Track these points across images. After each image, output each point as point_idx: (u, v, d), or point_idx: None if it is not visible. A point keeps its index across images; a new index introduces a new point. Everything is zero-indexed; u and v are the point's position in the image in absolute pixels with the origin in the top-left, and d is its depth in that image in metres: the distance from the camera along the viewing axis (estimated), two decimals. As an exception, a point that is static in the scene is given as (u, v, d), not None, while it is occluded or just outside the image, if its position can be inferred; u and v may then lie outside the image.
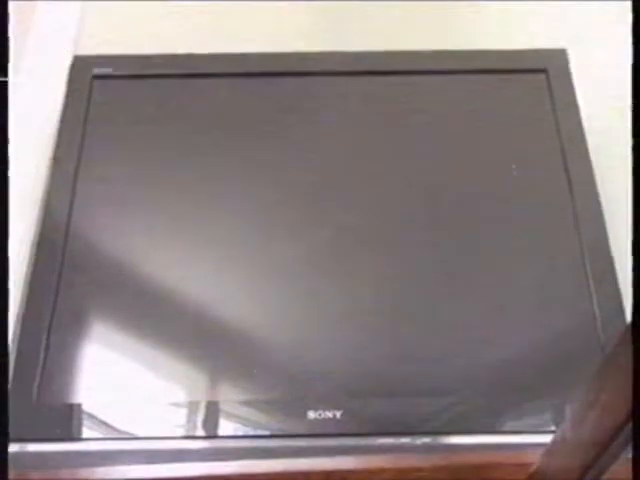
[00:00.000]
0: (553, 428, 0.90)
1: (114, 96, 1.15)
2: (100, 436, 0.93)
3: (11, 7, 0.80)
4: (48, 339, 0.96)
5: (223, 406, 0.94)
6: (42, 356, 0.95)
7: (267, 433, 0.93)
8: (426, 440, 0.90)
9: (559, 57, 1.17)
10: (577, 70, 1.15)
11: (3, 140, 0.72)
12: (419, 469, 0.85)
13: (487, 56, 1.18)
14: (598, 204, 1.05)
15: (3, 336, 0.69)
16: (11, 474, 0.81)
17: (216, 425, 0.93)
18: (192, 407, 0.93)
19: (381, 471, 0.85)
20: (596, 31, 1.18)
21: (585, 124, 1.11)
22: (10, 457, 0.86)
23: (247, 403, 0.94)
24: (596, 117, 1.12)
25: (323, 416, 0.92)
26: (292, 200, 1.08)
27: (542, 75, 1.15)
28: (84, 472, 0.87)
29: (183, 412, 0.94)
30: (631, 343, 0.48)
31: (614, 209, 1.03)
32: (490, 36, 1.20)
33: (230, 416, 0.94)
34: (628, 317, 0.93)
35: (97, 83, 1.15)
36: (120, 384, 0.96)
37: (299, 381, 0.95)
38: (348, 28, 1.23)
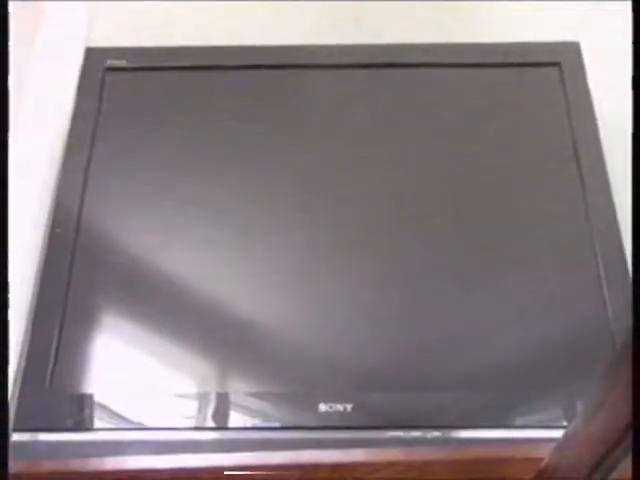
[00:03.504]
0: (564, 423, 0.90)
1: (127, 88, 1.15)
2: (111, 426, 0.93)
3: (23, -1, 0.81)
4: (60, 330, 0.96)
5: (233, 397, 0.94)
6: (54, 347, 0.95)
7: (277, 425, 0.93)
8: (436, 434, 0.90)
9: (572, 50, 1.16)
10: (590, 63, 1.15)
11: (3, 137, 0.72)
12: (429, 463, 0.85)
13: (500, 49, 1.18)
14: (610, 198, 1.04)
15: (3, 331, 0.69)
16: (22, 464, 0.81)
17: (226, 416, 0.93)
18: (202, 398, 0.94)
19: (391, 465, 0.86)
20: (609, 24, 1.18)
21: (598, 117, 1.11)
22: (21, 447, 0.87)
23: (257, 395, 0.94)
24: (609, 110, 1.11)
25: (334, 409, 0.92)
26: (299, 192, 1.08)
27: (555, 68, 1.15)
28: (95, 462, 0.88)
29: (193, 403, 0.94)
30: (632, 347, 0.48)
31: (627, 203, 1.03)
32: (503, 29, 1.20)
33: (240, 407, 0.94)
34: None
35: (110, 75, 1.15)
36: (131, 375, 0.97)
37: (310, 373, 0.95)
38: (354, 21, 1.23)
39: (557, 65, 1.15)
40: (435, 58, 1.18)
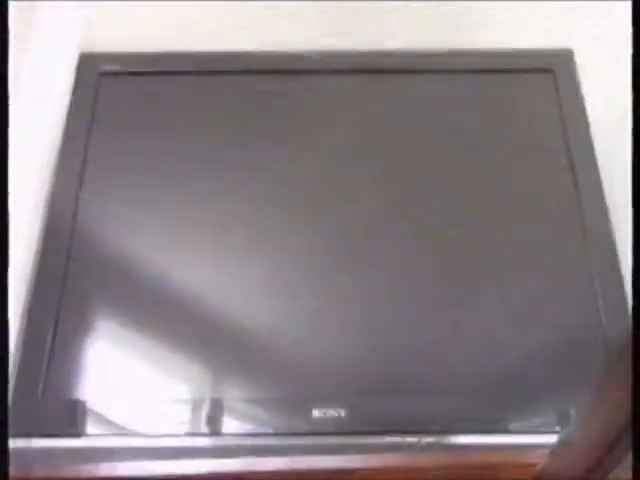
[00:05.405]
0: (558, 428, 0.90)
1: (121, 94, 1.15)
2: (104, 433, 0.93)
3: (17, 3, 0.80)
4: (53, 336, 0.96)
5: (227, 403, 0.94)
6: (47, 353, 0.95)
7: (271, 431, 0.93)
8: (431, 439, 0.90)
9: (566, 57, 1.17)
10: (584, 71, 1.15)
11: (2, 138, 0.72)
12: (423, 468, 0.85)
13: (494, 56, 1.18)
14: (604, 205, 1.05)
15: (3, 333, 0.69)
16: (15, 470, 0.81)
17: (220, 422, 0.93)
18: (196, 404, 0.94)
19: (385, 470, 0.85)
20: (603, 31, 1.18)
21: (591, 124, 1.11)
22: (14, 453, 0.86)
23: (251, 401, 0.94)
24: (603, 118, 1.11)
25: (327, 414, 0.92)
26: (296, 198, 1.08)
27: (549, 75, 1.15)
28: (88, 468, 0.88)
29: (187, 409, 0.94)
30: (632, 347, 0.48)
31: (621, 211, 1.03)
32: (497, 36, 1.20)
33: (234, 414, 0.94)
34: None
35: (104, 80, 1.15)
36: (124, 381, 0.96)
37: (304, 379, 0.95)
38: (352, 28, 1.23)
39: (551, 72, 1.16)
40: (429, 65, 1.18)
